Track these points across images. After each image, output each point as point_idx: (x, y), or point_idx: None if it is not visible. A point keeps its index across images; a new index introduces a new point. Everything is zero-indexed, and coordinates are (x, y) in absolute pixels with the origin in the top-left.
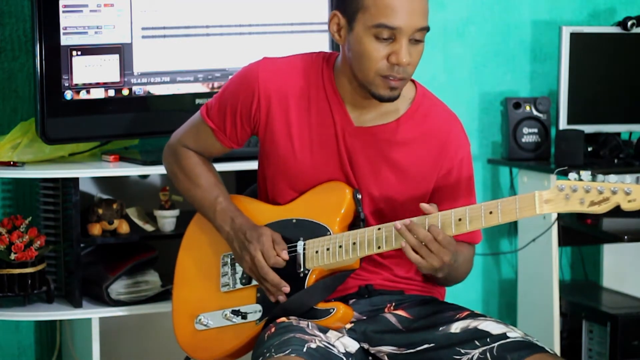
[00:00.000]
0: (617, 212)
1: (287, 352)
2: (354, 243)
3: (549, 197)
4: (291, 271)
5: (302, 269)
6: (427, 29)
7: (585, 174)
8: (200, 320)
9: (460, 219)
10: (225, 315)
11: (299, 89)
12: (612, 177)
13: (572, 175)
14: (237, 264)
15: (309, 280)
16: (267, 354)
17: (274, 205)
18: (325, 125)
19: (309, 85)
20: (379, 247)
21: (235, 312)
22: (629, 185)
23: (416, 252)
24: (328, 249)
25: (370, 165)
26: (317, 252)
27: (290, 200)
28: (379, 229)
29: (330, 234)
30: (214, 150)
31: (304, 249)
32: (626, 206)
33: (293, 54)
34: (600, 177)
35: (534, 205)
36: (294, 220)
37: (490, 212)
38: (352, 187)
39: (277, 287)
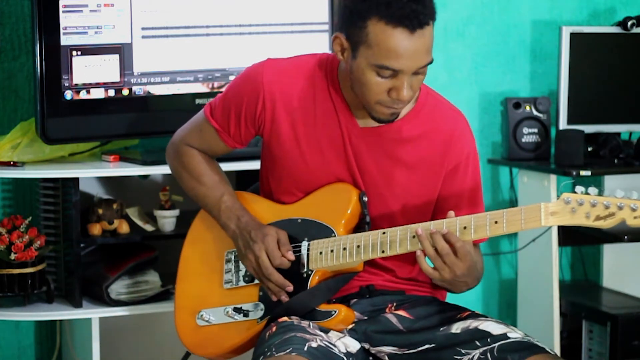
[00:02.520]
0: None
1: (288, 350)
2: (358, 246)
3: (555, 209)
4: (294, 271)
5: (305, 270)
6: (430, 62)
7: (592, 188)
8: (202, 316)
9: (465, 227)
10: (227, 312)
11: (303, 91)
12: (619, 192)
13: (579, 188)
14: (240, 261)
15: (312, 281)
16: (268, 353)
17: (280, 204)
18: (331, 127)
19: (313, 87)
20: (383, 252)
21: (237, 310)
22: (635, 201)
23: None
24: (332, 251)
25: (378, 165)
26: (321, 253)
27: (296, 200)
28: (384, 233)
29: (334, 235)
30: (218, 150)
31: (308, 249)
32: (632, 222)
33: (297, 54)
34: (606, 191)
35: (539, 217)
36: (299, 220)
37: (496, 222)
38: (359, 189)
39: (281, 286)
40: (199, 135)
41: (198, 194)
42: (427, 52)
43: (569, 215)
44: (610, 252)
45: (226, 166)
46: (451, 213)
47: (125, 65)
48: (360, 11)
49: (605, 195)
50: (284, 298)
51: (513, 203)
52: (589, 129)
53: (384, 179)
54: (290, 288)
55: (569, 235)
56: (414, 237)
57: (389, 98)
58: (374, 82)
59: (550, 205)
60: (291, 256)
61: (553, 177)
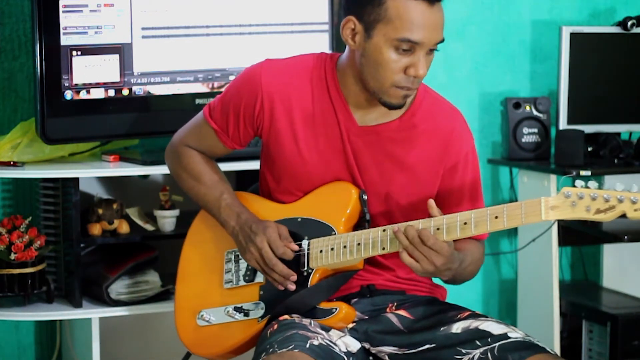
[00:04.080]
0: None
1: (290, 347)
2: (359, 244)
3: (555, 203)
4: (295, 270)
5: (305, 268)
6: (442, 41)
7: (592, 182)
8: (202, 316)
9: (465, 223)
10: (228, 311)
11: (302, 90)
12: (619, 186)
13: (579, 182)
14: (240, 261)
15: (313, 280)
16: (270, 350)
17: (279, 204)
18: (330, 126)
19: (312, 86)
20: (383, 249)
21: (238, 309)
22: (635, 194)
23: (411, 256)
24: (332, 249)
25: (376, 164)
26: (321, 251)
27: (296, 200)
28: (384, 230)
29: (335, 233)
30: (217, 151)
31: (309, 248)
32: (632, 215)
33: (294, 55)
34: (607, 181)
35: (539, 211)
36: (299, 219)
37: (496, 217)
38: (358, 187)
39: (286, 276)
40: (198, 137)
41: (198, 194)
42: (442, 27)
43: (569, 209)
44: (610, 252)
45: (225, 166)
46: (431, 202)
47: (125, 65)
48: None
49: (605, 188)
50: (291, 287)
51: None
52: (589, 129)
53: (383, 177)
54: (295, 277)
55: (569, 235)
56: None
57: (405, 76)
58: (391, 59)
59: (550, 199)
60: (294, 246)
61: (553, 177)
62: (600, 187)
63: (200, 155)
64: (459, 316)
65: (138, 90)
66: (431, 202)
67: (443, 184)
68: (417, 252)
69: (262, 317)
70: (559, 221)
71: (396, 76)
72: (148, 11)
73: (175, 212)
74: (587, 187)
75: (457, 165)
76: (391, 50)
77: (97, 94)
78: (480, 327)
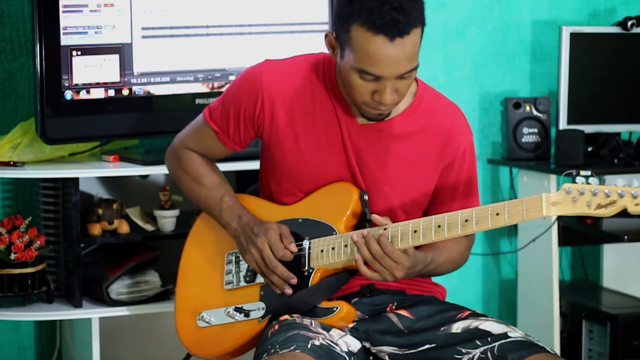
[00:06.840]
0: (618, 212)
1: (291, 348)
2: None
3: (556, 199)
4: (296, 269)
5: (306, 268)
6: (415, 68)
7: (593, 179)
8: (202, 317)
9: (466, 220)
10: (228, 312)
11: (302, 90)
12: (620, 181)
13: (580, 179)
14: (241, 262)
15: (314, 279)
16: (272, 350)
17: (280, 205)
18: (331, 125)
19: (312, 86)
20: None
21: (238, 310)
22: (636, 189)
23: (369, 266)
24: (333, 248)
25: (378, 161)
26: (322, 251)
27: (297, 201)
28: (385, 229)
29: (336, 233)
30: (217, 153)
31: (309, 247)
32: (633, 209)
33: (294, 55)
34: (607, 180)
35: (540, 207)
36: (300, 220)
37: (497, 214)
38: (359, 187)
39: (286, 279)
40: (199, 139)
41: (199, 196)
42: (409, 59)
43: (570, 204)
44: (610, 252)
45: (225, 166)
46: (374, 216)
47: (125, 65)
48: (345, 15)
49: (606, 184)
50: (288, 291)
51: None
52: (589, 129)
53: (385, 175)
54: (295, 280)
55: (569, 235)
56: (415, 232)
57: (372, 100)
58: (358, 84)
59: (551, 195)
60: (294, 248)
61: (553, 177)
62: (601, 183)
63: (201, 158)
64: (459, 316)
65: (138, 90)
66: (375, 216)
67: (440, 180)
68: (376, 264)
69: (263, 317)
70: (559, 221)
71: (364, 98)
72: (148, 11)
73: (175, 212)
74: (588, 183)
75: (454, 161)
76: (357, 76)
77: (97, 94)
78: (481, 327)
